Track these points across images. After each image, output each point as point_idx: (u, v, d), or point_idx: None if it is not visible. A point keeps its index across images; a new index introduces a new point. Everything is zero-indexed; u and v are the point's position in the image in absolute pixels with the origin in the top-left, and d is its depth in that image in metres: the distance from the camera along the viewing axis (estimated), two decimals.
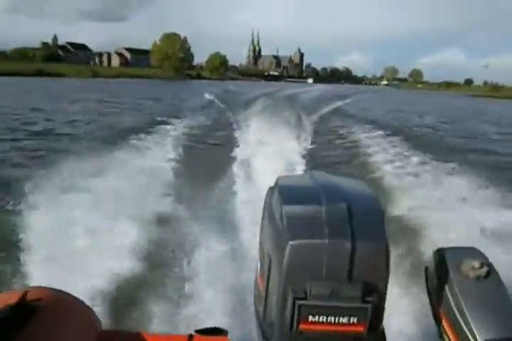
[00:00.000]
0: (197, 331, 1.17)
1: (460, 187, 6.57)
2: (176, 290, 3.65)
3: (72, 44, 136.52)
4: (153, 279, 3.83)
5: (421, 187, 7.02)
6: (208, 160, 9.27)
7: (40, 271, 3.69)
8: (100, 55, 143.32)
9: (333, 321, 0.92)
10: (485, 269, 1.09)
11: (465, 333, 1.02)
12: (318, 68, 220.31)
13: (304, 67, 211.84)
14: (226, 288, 3.62)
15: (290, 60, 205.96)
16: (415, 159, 9.47)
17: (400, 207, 5.84)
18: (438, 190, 6.60)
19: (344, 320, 0.92)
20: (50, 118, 16.94)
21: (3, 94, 29.84)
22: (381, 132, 14.34)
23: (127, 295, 3.53)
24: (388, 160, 9.49)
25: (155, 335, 1.21)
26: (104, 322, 1.23)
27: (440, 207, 5.62)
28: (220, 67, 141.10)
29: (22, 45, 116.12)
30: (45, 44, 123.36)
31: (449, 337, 1.08)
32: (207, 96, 29.91)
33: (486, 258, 1.14)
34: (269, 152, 7.85)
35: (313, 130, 14.31)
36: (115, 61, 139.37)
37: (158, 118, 15.31)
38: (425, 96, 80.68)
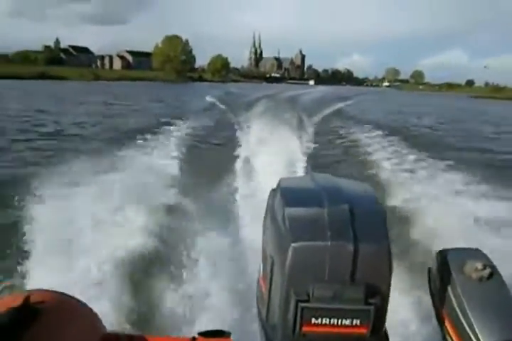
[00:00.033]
0: (200, 333, 1.17)
1: (455, 182, 7.09)
2: (178, 292, 3.65)
3: (74, 47, 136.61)
4: (156, 282, 3.83)
5: (417, 183, 7.19)
6: (210, 160, 9.41)
7: (43, 267, 3.73)
8: (102, 57, 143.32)
9: (336, 323, 0.92)
10: (488, 271, 1.08)
11: (468, 334, 1.01)
12: (320, 70, 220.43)
13: (305, 68, 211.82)
14: (229, 289, 3.61)
15: (291, 62, 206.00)
16: (412, 157, 9.87)
17: (397, 199, 6.11)
18: (433, 185, 7.05)
19: (347, 322, 0.92)
20: (58, 121, 17.36)
21: (9, 97, 30.00)
22: (380, 132, 14.66)
23: (130, 298, 3.52)
24: (386, 158, 9.90)
25: (158, 338, 1.21)
26: (107, 324, 1.23)
27: (436, 200, 6.00)
28: (221, 70, 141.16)
29: (24, 48, 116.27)
30: (47, 47, 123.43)
31: (452, 338, 1.07)
32: (209, 98, 29.91)
33: (489, 260, 1.14)
34: (271, 152, 7.85)
35: (315, 131, 14.38)
36: (117, 64, 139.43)
37: (163, 120, 15.65)
38: (426, 97, 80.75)
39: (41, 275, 3.65)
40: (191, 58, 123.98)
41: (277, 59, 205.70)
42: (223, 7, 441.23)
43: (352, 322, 0.92)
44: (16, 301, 1.00)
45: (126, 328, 3.17)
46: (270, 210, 1.11)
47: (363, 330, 0.92)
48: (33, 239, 4.23)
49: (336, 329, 0.92)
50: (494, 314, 1.03)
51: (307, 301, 0.92)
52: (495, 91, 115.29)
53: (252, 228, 4.36)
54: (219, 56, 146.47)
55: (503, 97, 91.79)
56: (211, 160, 9.46)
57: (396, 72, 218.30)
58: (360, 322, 0.92)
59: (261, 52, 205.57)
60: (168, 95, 41.49)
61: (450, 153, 11.51)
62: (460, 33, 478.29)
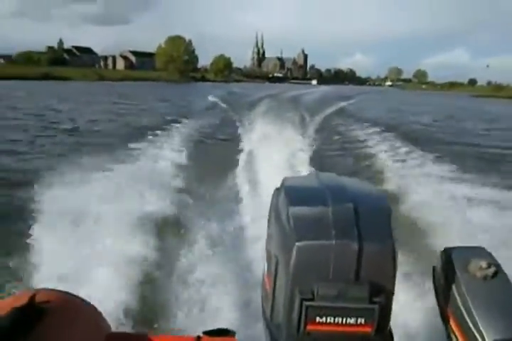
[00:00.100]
0: (205, 332, 1.17)
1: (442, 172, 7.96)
2: (183, 292, 3.65)
3: (77, 47, 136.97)
4: (160, 281, 3.84)
5: (420, 182, 7.31)
6: (214, 158, 9.69)
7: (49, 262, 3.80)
8: (105, 58, 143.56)
9: (340, 322, 0.92)
10: (492, 269, 1.08)
11: (473, 333, 1.01)
12: (322, 69, 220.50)
13: (308, 68, 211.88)
14: (233, 289, 3.62)
15: (294, 62, 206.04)
16: (404, 149, 11.07)
17: (402, 198, 6.27)
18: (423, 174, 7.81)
19: (352, 320, 0.92)
20: (73, 118, 18.36)
21: (18, 97, 30.51)
22: (377, 129, 15.48)
23: (136, 297, 3.53)
24: (383, 150, 10.90)
25: (163, 337, 1.21)
26: (112, 324, 1.24)
27: (425, 186, 6.73)
28: (224, 70, 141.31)
29: (27, 49, 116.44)
30: (50, 48, 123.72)
31: (456, 337, 1.07)
32: (212, 98, 29.97)
33: (494, 258, 1.14)
34: (273, 151, 7.87)
35: (317, 130, 14.54)
36: (120, 64, 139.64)
37: (169, 118, 16.95)
38: (428, 96, 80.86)
39: (47, 271, 3.68)
40: (194, 58, 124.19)
41: (280, 59, 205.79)
42: (225, 7, 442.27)
43: (356, 321, 0.92)
44: (21, 301, 1.00)
45: (131, 327, 3.19)
46: (274, 209, 1.11)
47: (368, 329, 0.92)
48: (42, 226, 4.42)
49: (340, 328, 0.92)
50: (499, 312, 1.02)
51: (312, 300, 0.92)
52: (496, 90, 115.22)
53: (256, 228, 4.37)
54: (221, 56, 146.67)
55: (504, 96, 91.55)
56: (215, 157, 9.74)
57: (399, 71, 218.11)
58: (365, 320, 0.92)
59: (263, 52, 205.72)
60: (173, 95, 41.89)
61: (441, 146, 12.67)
62: (461, 32, 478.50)
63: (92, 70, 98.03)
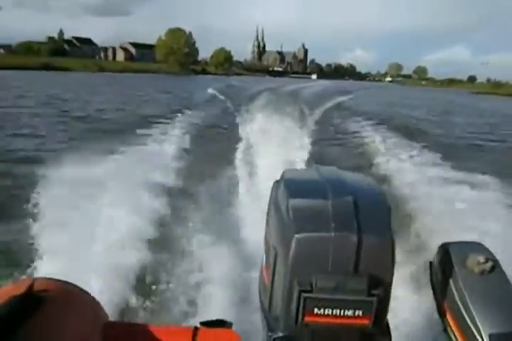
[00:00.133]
0: (202, 323, 1.17)
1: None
2: (180, 282, 3.67)
3: (77, 38, 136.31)
4: (158, 271, 3.84)
5: (424, 182, 7.26)
6: (214, 149, 9.76)
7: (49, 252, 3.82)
8: (105, 49, 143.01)
9: (338, 314, 0.92)
10: (490, 264, 1.09)
11: (469, 327, 1.02)
12: (323, 64, 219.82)
13: (308, 63, 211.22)
14: (231, 280, 3.62)
15: (294, 56, 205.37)
16: (394, 140, 11.77)
17: (401, 192, 6.36)
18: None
19: (349, 312, 0.92)
20: (83, 107, 19.32)
21: (23, 87, 30.78)
22: (373, 122, 16.11)
23: (134, 287, 3.55)
24: (374, 141, 11.54)
25: (160, 327, 1.22)
26: (110, 313, 1.24)
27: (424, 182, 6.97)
28: (224, 63, 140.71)
29: (27, 39, 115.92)
30: (50, 38, 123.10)
31: (453, 331, 1.08)
32: (212, 90, 29.93)
33: (491, 253, 1.14)
34: (272, 143, 7.87)
35: (316, 123, 14.59)
36: (120, 55, 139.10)
37: (174, 108, 18.02)
38: (428, 92, 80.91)
39: (47, 262, 3.69)
40: (194, 51, 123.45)
41: (280, 53, 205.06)
42: (226, 0, 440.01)
43: (354, 313, 0.92)
44: (20, 289, 1.00)
45: (129, 317, 3.20)
46: (274, 201, 1.11)
47: (365, 321, 0.93)
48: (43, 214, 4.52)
49: (338, 320, 0.92)
50: (496, 307, 1.03)
51: (310, 291, 0.92)
52: (496, 88, 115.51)
53: (255, 220, 4.37)
54: (222, 49, 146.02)
55: (504, 93, 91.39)
56: (214, 150, 9.66)
57: (399, 67, 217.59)
58: (363, 312, 0.92)
59: (264, 46, 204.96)
60: (174, 87, 42.14)
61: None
62: (462, 29, 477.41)
63: (92, 61, 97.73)
